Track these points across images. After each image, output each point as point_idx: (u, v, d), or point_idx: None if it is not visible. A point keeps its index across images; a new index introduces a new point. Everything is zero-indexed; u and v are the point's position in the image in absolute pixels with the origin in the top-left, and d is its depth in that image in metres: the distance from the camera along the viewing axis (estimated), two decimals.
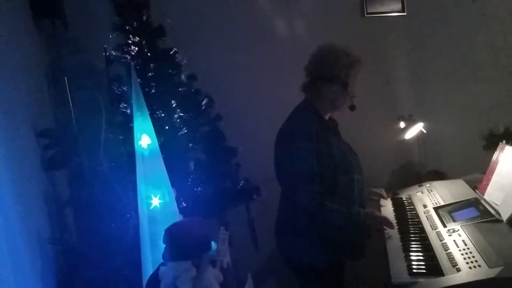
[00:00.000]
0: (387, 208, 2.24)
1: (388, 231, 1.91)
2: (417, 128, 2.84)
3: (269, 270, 2.88)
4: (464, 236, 1.67)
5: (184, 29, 2.65)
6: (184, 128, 2.34)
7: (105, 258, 1.83)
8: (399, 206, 2.23)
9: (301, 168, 1.83)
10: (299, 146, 1.84)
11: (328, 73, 1.93)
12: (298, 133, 1.88)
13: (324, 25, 2.93)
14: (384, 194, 2.32)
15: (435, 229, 1.83)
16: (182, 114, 2.33)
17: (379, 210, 2.21)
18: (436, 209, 2.00)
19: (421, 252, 1.69)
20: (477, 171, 2.26)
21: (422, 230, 1.88)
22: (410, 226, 1.95)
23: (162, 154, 1.81)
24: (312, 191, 1.81)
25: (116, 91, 2.30)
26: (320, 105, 1.97)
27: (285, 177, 1.92)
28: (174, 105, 2.32)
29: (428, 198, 2.17)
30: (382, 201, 2.31)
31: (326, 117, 2.02)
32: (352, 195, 1.92)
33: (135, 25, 2.29)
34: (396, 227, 1.95)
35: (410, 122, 2.86)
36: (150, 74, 2.29)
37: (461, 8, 3.02)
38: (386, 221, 1.89)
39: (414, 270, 1.57)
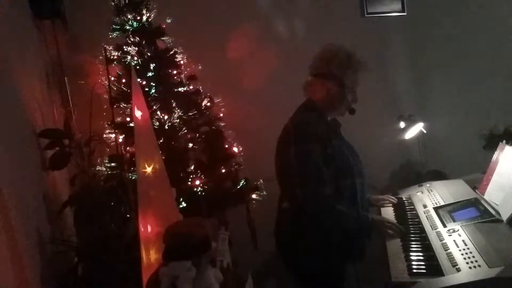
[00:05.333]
0: (387, 208, 2.23)
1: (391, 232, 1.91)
2: (417, 128, 2.84)
3: (269, 270, 2.88)
4: (464, 236, 1.67)
5: (184, 29, 2.65)
6: (184, 128, 2.34)
7: (105, 258, 1.83)
8: (399, 206, 2.23)
9: (310, 169, 1.81)
10: (307, 147, 1.83)
11: (325, 70, 1.93)
12: (305, 134, 1.86)
13: (324, 25, 2.93)
14: (392, 198, 2.31)
15: (435, 229, 1.83)
16: (182, 114, 2.33)
17: (380, 213, 2.21)
18: (436, 209, 2.00)
19: (421, 252, 1.69)
20: (477, 171, 2.26)
21: (422, 230, 1.88)
22: (410, 226, 1.95)
23: (162, 154, 1.81)
24: (323, 193, 1.80)
25: (116, 91, 2.30)
26: (320, 105, 1.97)
27: (290, 178, 1.87)
28: (174, 105, 2.32)
29: (428, 198, 2.16)
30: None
31: (329, 118, 2.02)
32: (355, 199, 1.92)
33: (135, 25, 2.29)
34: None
35: (410, 122, 2.86)
36: (150, 74, 2.29)
37: (461, 8, 3.03)
38: (395, 227, 1.90)
39: (414, 270, 1.57)
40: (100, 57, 2.25)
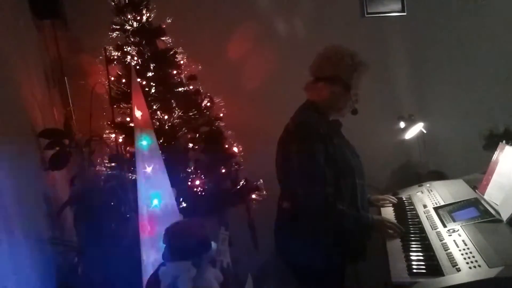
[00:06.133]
0: (387, 208, 2.24)
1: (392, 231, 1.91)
2: (417, 128, 2.84)
3: (269, 270, 2.88)
4: (464, 236, 1.67)
5: (184, 29, 2.65)
6: (184, 128, 2.34)
7: (105, 258, 1.83)
8: (399, 206, 2.23)
9: (312, 169, 1.81)
10: (309, 146, 1.82)
11: (330, 73, 1.92)
12: (307, 133, 1.86)
13: (325, 25, 2.93)
14: (392, 198, 2.31)
15: (435, 229, 1.83)
16: (182, 114, 2.33)
17: (380, 213, 2.21)
18: (436, 209, 2.00)
19: (421, 252, 1.69)
20: (477, 171, 2.27)
21: (422, 230, 1.88)
22: (410, 226, 1.95)
23: (162, 154, 1.81)
24: (324, 193, 1.80)
25: (116, 91, 2.30)
26: (323, 105, 1.97)
27: (292, 178, 1.87)
28: (174, 105, 2.32)
29: (428, 198, 2.17)
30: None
31: (329, 118, 2.01)
32: (355, 199, 1.92)
33: (135, 25, 2.29)
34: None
35: (410, 122, 2.86)
36: (150, 74, 2.29)
37: (460, 8, 3.02)
38: (395, 227, 1.90)
39: (414, 270, 1.57)
40: (100, 57, 2.25)
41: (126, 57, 2.29)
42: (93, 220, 1.94)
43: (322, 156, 1.82)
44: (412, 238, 1.83)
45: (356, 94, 1.96)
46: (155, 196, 1.69)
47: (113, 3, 2.30)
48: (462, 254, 1.56)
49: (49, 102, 2.38)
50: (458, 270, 1.48)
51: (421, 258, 1.65)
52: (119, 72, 2.34)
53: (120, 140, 2.28)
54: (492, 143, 2.46)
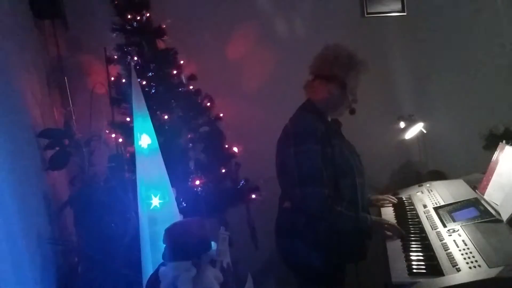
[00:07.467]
0: (387, 208, 2.24)
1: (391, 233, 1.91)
2: (417, 128, 2.84)
3: (269, 270, 2.88)
4: (464, 236, 1.67)
5: (184, 29, 2.65)
6: (184, 128, 2.34)
7: (105, 258, 1.83)
8: (399, 206, 2.23)
9: (309, 170, 1.81)
10: (306, 147, 1.82)
11: (327, 72, 1.93)
12: (304, 134, 1.86)
13: (324, 25, 2.93)
14: (392, 198, 2.31)
15: (435, 229, 1.83)
16: (182, 114, 2.33)
17: (380, 212, 2.21)
18: (436, 209, 2.00)
19: (421, 252, 1.69)
20: (477, 171, 2.26)
21: (422, 230, 1.88)
22: (410, 226, 1.95)
23: (162, 154, 1.81)
24: (322, 194, 1.80)
25: (116, 91, 2.30)
26: (321, 105, 1.97)
27: (290, 179, 1.87)
28: (174, 105, 2.32)
29: (428, 198, 2.17)
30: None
31: (329, 118, 2.01)
32: (355, 198, 1.92)
33: (135, 25, 2.29)
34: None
35: (410, 122, 2.86)
36: (150, 74, 2.29)
37: (460, 8, 3.02)
38: (394, 229, 1.89)
39: (414, 270, 1.57)
40: (100, 57, 2.25)
41: (126, 57, 2.29)
42: (93, 221, 1.94)
43: (319, 156, 1.82)
44: (412, 238, 1.83)
45: (353, 93, 1.96)
46: (155, 196, 1.69)
47: (113, 3, 2.30)
48: (462, 254, 1.56)
49: (49, 102, 2.38)
50: (458, 270, 1.48)
51: (421, 258, 1.65)
52: (119, 72, 2.34)
53: (120, 140, 2.28)
54: (492, 143, 2.45)
